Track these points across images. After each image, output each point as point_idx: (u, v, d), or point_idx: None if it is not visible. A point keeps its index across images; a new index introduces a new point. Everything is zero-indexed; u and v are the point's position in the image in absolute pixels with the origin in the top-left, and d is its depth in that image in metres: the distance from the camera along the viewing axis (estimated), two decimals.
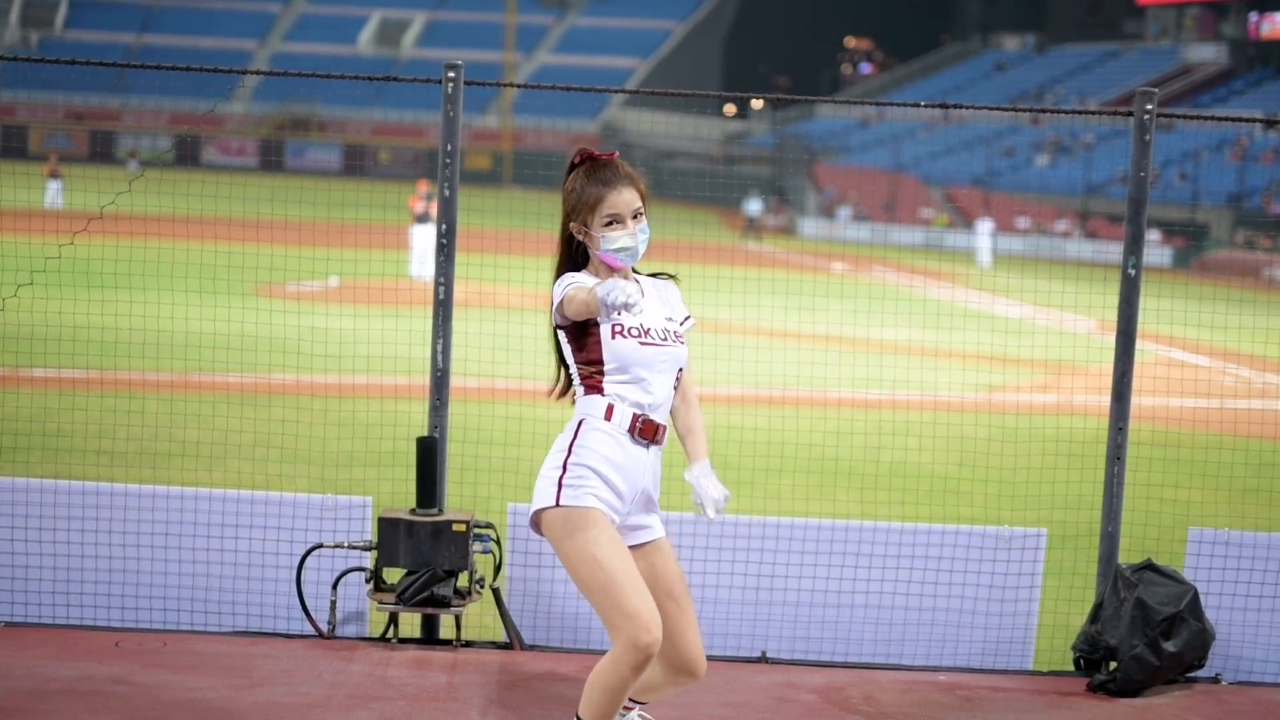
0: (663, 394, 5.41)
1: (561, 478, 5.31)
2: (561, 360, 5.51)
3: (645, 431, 5.36)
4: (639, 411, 5.35)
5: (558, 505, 5.27)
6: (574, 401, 5.45)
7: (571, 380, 5.46)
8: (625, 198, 5.40)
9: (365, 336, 15.68)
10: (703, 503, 5.39)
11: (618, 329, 5.33)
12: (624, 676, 5.21)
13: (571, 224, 5.45)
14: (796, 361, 17.08)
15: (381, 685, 6.81)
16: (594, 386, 5.38)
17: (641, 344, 5.36)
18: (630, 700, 5.79)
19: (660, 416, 5.42)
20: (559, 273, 5.51)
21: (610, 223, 5.39)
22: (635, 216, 5.42)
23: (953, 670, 7.54)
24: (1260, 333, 22.49)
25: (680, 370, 5.49)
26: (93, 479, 8.07)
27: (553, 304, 5.37)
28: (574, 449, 5.33)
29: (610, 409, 5.34)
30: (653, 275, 5.66)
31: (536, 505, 5.34)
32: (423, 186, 32.45)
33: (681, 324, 5.52)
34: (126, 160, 53.07)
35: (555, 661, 7.28)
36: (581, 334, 5.36)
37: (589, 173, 5.44)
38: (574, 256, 5.50)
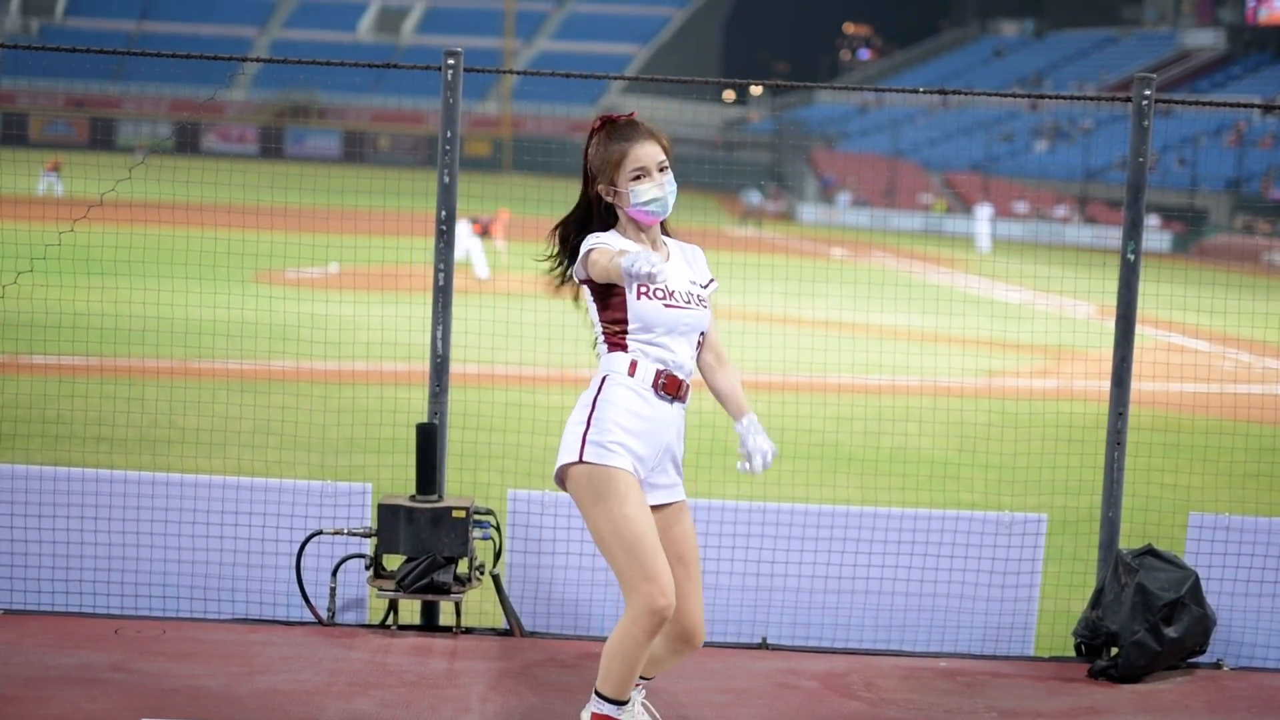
0: (684, 355, 5.46)
1: (586, 433, 5.34)
2: (575, 294, 5.56)
3: (669, 387, 5.40)
4: (662, 367, 5.39)
5: (581, 461, 5.31)
6: (598, 357, 5.49)
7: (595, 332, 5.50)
8: (649, 150, 5.43)
9: (365, 323, 15.66)
10: (750, 454, 5.42)
11: (643, 290, 5.35)
12: (638, 640, 5.24)
13: (599, 186, 5.47)
14: (796, 347, 17.06)
15: (381, 672, 6.80)
16: (618, 344, 5.42)
17: (666, 306, 5.40)
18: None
19: (683, 375, 5.45)
20: (565, 230, 5.54)
21: (637, 176, 5.42)
22: (661, 169, 5.45)
23: (954, 656, 7.53)
24: (1260, 317, 22.47)
25: (703, 334, 5.53)
26: (92, 466, 8.06)
27: (578, 255, 5.38)
28: (598, 404, 5.37)
29: (634, 365, 5.38)
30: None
31: (562, 460, 5.38)
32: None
33: (705, 287, 5.56)
34: (135, 149, 53.00)
35: (555, 648, 7.27)
36: (606, 293, 5.39)
37: (609, 133, 5.48)
38: (603, 218, 5.52)
